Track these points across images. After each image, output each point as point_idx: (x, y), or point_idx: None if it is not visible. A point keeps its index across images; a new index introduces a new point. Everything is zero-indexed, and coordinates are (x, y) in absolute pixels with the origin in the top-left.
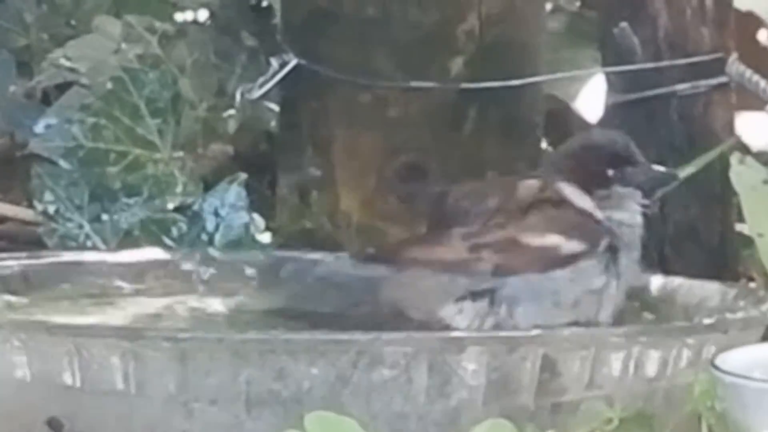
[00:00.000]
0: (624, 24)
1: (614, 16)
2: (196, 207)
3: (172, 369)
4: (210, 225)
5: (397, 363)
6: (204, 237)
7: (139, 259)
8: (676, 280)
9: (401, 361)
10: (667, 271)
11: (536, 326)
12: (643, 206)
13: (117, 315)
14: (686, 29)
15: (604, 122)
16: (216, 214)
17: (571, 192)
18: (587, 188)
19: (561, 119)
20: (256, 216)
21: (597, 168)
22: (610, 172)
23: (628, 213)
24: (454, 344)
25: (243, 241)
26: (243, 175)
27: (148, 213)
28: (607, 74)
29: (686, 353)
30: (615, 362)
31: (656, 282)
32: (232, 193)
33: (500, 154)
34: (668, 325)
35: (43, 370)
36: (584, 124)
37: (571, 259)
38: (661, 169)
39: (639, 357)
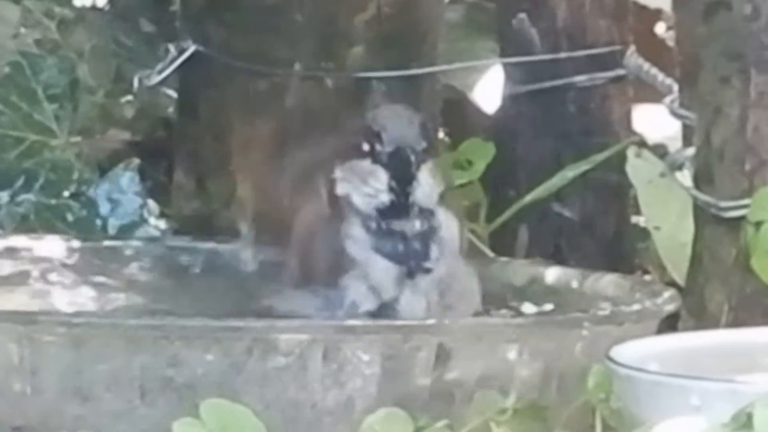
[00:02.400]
0: (522, 15)
1: (512, 7)
2: (90, 192)
3: (66, 354)
4: (104, 210)
5: (292, 351)
6: (98, 222)
7: (35, 244)
8: (572, 272)
9: (296, 348)
10: (563, 263)
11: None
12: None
13: (12, 300)
14: (584, 21)
15: (501, 113)
16: (110, 199)
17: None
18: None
19: (458, 109)
20: (150, 201)
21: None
22: (365, 147)
23: (372, 188)
24: (348, 332)
25: (137, 227)
26: (136, 160)
27: (43, 199)
28: (505, 65)
29: (581, 345)
30: (509, 353)
31: (551, 273)
32: (126, 178)
33: None
34: (563, 316)
35: None
36: (481, 115)
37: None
38: (408, 156)
39: (533, 348)
